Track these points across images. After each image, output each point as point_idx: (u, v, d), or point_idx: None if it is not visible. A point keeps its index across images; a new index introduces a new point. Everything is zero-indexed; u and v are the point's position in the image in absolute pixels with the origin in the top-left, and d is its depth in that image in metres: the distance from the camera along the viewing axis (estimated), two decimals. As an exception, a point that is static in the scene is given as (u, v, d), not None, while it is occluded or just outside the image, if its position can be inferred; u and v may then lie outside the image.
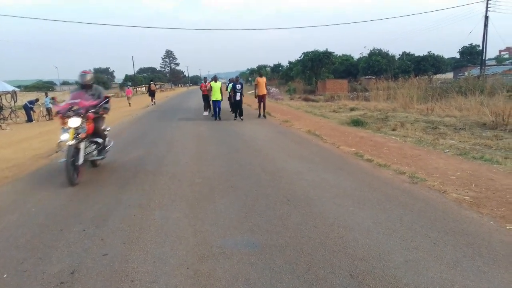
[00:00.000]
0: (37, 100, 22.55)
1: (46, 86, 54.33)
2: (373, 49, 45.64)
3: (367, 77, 43.54)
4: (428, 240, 3.68)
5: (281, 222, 4.27)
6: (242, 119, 15.29)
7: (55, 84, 70.67)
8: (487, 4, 31.10)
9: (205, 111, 18.34)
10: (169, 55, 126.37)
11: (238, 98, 15.32)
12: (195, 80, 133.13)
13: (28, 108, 20.72)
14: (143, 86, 61.68)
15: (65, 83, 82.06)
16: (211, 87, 15.72)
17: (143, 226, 4.29)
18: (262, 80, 15.71)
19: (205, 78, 20.22)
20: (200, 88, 18.61)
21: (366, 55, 46.16)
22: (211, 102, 16.71)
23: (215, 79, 16.23)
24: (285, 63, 56.43)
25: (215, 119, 15.84)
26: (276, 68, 56.54)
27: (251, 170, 6.71)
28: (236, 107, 15.63)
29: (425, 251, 3.45)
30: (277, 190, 5.48)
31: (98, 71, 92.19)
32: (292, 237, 3.86)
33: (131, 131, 13.24)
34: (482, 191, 5.14)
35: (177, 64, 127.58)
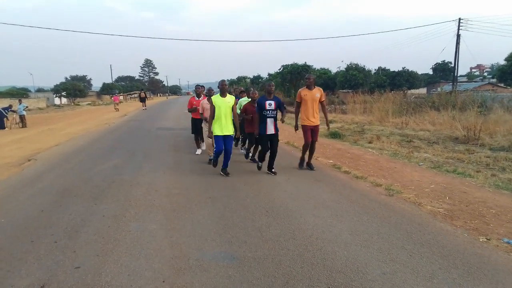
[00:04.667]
0: (10, 106, 21.85)
1: (20, 93, 52.76)
2: (350, 64, 46.59)
3: (344, 90, 44.30)
4: (404, 252, 3.72)
5: (260, 233, 4.24)
6: (274, 173, 7.27)
7: (29, 91, 68.74)
8: (459, 23, 32.33)
9: (198, 146, 10.09)
10: (148, 64, 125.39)
11: (271, 130, 7.18)
12: (174, 90, 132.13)
13: (1, 115, 20.05)
14: (135, 93, 69.14)
15: (40, 90, 79.93)
16: (212, 106, 7.09)
17: (117, 237, 4.18)
18: (314, 93, 7.43)
19: (198, 88, 9.84)
20: (189, 109, 9.75)
21: (344, 69, 47.06)
22: (203, 134, 9.11)
23: (223, 89, 7.17)
24: (264, 74, 56.76)
25: (216, 166, 7.61)
26: (256, 79, 56.85)
27: (230, 181, 6.67)
28: (265, 146, 7.28)
29: (402, 263, 3.48)
30: (256, 202, 5.46)
31: (74, 79, 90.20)
32: (270, 249, 3.83)
33: (107, 140, 12.95)
34: (455, 204, 5.27)
35: (156, 73, 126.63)
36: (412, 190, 6.01)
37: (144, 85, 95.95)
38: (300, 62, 42.74)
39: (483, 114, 14.05)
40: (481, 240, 4.06)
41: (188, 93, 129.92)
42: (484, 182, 6.39)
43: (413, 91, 42.03)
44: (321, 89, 7.61)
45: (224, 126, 7.06)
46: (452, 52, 32.81)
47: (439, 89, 30.47)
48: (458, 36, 32.23)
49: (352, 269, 3.38)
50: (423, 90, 50.69)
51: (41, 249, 3.90)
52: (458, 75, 42.01)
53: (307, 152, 7.69)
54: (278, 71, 45.10)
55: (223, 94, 7.11)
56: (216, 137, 7.11)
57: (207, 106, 8.16)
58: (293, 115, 8.08)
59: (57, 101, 56.04)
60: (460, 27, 32.21)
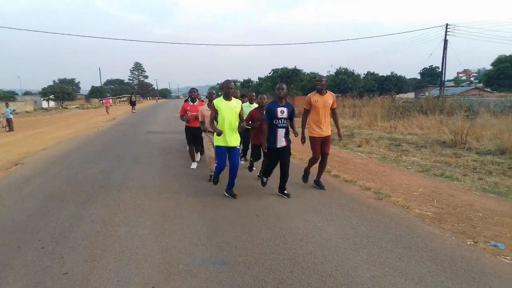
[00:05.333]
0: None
1: (7, 96, 52.02)
2: (339, 68, 46.91)
3: (338, 94, 44.66)
4: (393, 256, 3.75)
5: (250, 238, 4.24)
6: (287, 195, 6.04)
7: (17, 94, 67.75)
8: (446, 28, 32.85)
9: (193, 158, 8.66)
10: (137, 67, 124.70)
11: (282, 142, 5.95)
12: (164, 94, 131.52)
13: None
14: (124, 96, 70.71)
15: (27, 93, 78.82)
16: (215, 110, 5.83)
17: (106, 243, 4.14)
18: (327, 98, 6.33)
19: (193, 92, 8.37)
20: (182, 116, 8.34)
21: (333, 73, 47.40)
22: (204, 146, 7.39)
23: (228, 92, 5.85)
24: (254, 78, 56.87)
25: (217, 183, 6.39)
26: (246, 83, 56.84)
27: (219, 186, 6.62)
28: (272, 162, 6.22)
29: (391, 267, 3.51)
30: (246, 206, 5.46)
31: (63, 82, 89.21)
32: (261, 253, 3.83)
33: (95, 144, 12.83)
34: (443, 207, 5.33)
35: (146, 77, 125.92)
36: (400, 193, 6.07)
37: (133, 89, 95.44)
38: (290, 66, 43.02)
39: (470, 119, 14.26)
40: (468, 243, 4.11)
41: (178, 97, 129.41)
42: (471, 186, 6.48)
43: (401, 95, 42.48)
44: (333, 94, 6.50)
45: (228, 136, 5.73)
46: (440, 57, 33.31)
47: (426, 93, 30.86)
48: (446, 41, 32.73)
49: (342, 273, 3.40)
50: (411, 95, 51.26)
51: (28, 255, 3.84)
52: (446, 79, 42.63)
53: (315, 166, 6.60)
54: (269, 75, 45.30)
55: (227, 98, 5.81)
56: (219, 149, 5.79)
57: (208, 113, 6.68)
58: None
59: (44, 104, 55.34)
60: (448, 33, 32.72)
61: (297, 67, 43.68)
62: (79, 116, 32.30)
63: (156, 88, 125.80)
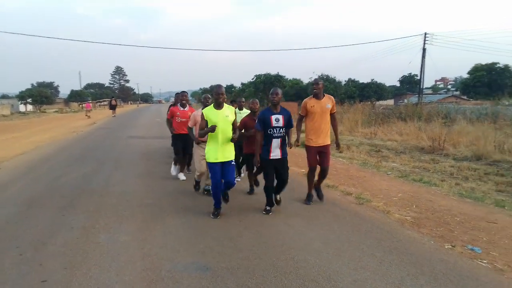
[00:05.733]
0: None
1: (-18, 100, 50.70)
2: (321, 75, 47.50)
3: (332, 98, 45.04)
4: (374, 260, 3.82)
5: (233, 243, 4.25)
6: (277, 202, 5.70)
7: (-7, 97, 65.97)
8: (425, 37, 33.69)
9: (181, 168, 7.89)
10: (118, 71, 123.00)
11: (277, 154, 5.32)
12: (145, 98, 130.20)
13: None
14: (105, 100, 69.23)
15: (4, 96, 76.77)
16: (203, 121, 5.11)
17: (86, 249, 4.08)
18: (324, 103, 5.78)
19: (183, 95, 7.72)
20: (169, 121, 7.73)
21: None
22: (196, 159, 6.53)
23: (219, 99, 5.08)
24: (237, 84, 57.02)
25: (218, 206, 5.32)
26: (229, 88, 56.90)
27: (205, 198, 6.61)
28: (270, 177, 5.37)
29: (372, 271, 3.57)
30: (229, 211, 5.46)
31: (41, 85, 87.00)
32: (244, 258, 3.84)
33: (75, 148, 12.60)
34: (422, 212, 5.45)
35: (127, 81, 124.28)
36: (381, 198, 6.18)
37: (114, 93, 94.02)
38: (273, 72, 43.28)
39: (447, 125, 14.62)
40: (446, 247, 4.22)
41: (159, 101, 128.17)
42: (449, 191, 6.65)
43: (381, 102, 43.21)
44: (332, 97, 5.93)
45: (221, 149, 5.04)
46: (419, 65, 34.09)
47: (405, 100, 31.52)
48: (424, 50, 33.56)
49: (324, 277, 3.44)
50: (390, 102, 52.19)
51: (5, 262, 3.75)
52: (424, 87, 43.66)
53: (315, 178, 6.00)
54: (251, 80, 45.45)
55: (218, 106, 5.07)
56: (211, 165, 5.09)
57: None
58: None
59: (22, 108, 53.96)
60: (426, 42, 33.56)
61: (280, 73, 44.02)
62: (58, 120, 31.65)
63: (137, 92, 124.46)
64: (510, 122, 14.45)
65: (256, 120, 5.64)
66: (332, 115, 5.87)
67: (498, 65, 48.19)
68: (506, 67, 47.66)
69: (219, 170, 5.12)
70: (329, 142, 5.85)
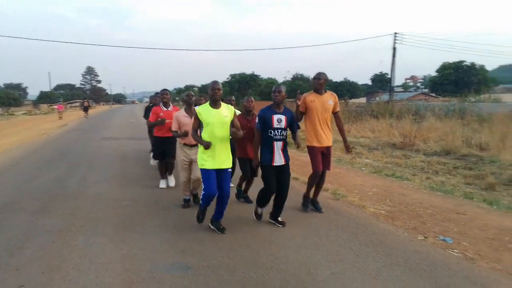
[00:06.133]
0: None
1: None
2: (295, 74, 48.02)
3: (290, 99, 45.54)
4: (351, 253, 3.93)
5: (214, 242, 4.26)
6: (281, 223, 4.85)
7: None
8: (395, 37, 34.53)
9: (162, 175, 7.11)
10: (90, 71, 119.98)
11: (280, 160, 4.72)
12: (118, 99, 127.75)
13: None
14: (76, 102, 68.36)
15: (-32, 98, 73.48)
16: (198, 121, 4.45)
17: (64, 253, 4.00)
18: (326, 99, 5.33)
19: (164, 94, 6.82)
20: (151, 123, 6.80)
21: (289, 79, 48.35)
22: (179, 165, 5.82)
23: (215, 96, 4.40)
24: (211, 83, 56.93)
25: (202, 220, 4.83)
26: (204, 88, 56.68)
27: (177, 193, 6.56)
28: (271, 184, 4.70)
29: (349, 263, 3.68)
30: (209, 211, 5.40)
31: (8, 87, 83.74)
32: (225, 256, 3.87)
33: (46, 151, 12.25)
34: (395, 206, 5.64)
35: (99, 82, 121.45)
36: (356, 194, 6.34)
37: (85, 94, 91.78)
38: (248, 71, 43.44)
39: (417, 122, 15.09)
40: (419, 238, 4.39)
41: (133, 102, 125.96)
42: (420, 185, 6.89)
43: (354, 100, 44.03)
44: (334, 94, 5.47)
45: (218, 154, 4.38)
46: (389, 64, 34.90)
47: (377, 98, 32.27)
48: (394, 49, 34.34)
49: (304, 271, 3.52)
50: (363, 100, 53.30)
51: (-22, 269, 3.64)
52: (395, 85, 44.72)
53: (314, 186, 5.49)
54: (227, 80, 45.46)
55: (215, 104, 4.42)
56: (206, 172, 4.40)
57: (186, 120, 5.54)
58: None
59: (-13, 110, 51.88)
60: (396, 41, 34.38)
61: (255, 73, 44.23)
62: (27, 122, 30.59)
63: (110, 93, 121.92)
64: (477, 118, 15.05)
65: (249, 119, 5.56)
66: (336, 114, 5.42)
67: (464, 63, 50.03)
68: (472, 65, 49.56)
69: (215, 178, 4.42)
70: (331, 144, 5.42)
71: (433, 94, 50.44)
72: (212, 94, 4.37)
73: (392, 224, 4.86)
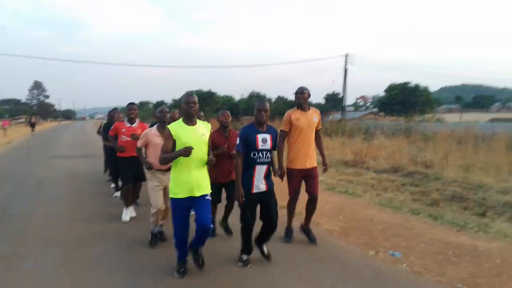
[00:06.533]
0: None
1: None
2: (252, 92, 48.71)
3: (247, 117, 45.97)
4: (307, 269, 4.05)
5: (169, 263, 4.17)
6: (267, 256, 4.27)
7: None
8: (346, 58, 36.24)
9: (126, 203, 5.96)
10: (37, 86, 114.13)
11: (262, 185, 4.15)
12: (68, 115, 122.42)
13: None
14: (21, 117, 63.19)
15: None
16: (172, 140, 3.68)
17: (9, 278, 3.81)
18: (311, 116, 4.88)
19: (132, 108, 5.90)
20: (112, 138, 6.16)
21: (246, 96, 48.97)
22: (150, 193, 4.82)
23: (191, 111, 3.73)
24: (168, 100, 56.34)
25: (184, 274, 3.86)
26: (159, 105, 55.94)
27: (137, 211, 6.39)
28: (250, 214, 4.09)
29: (306, 279, 3.78)
30: (166, 230, 5.33)
31: None
32: (182, 277, 3.84)
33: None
34: (348, 222, 5.86)
35: (47, 97, 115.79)
36: (311, 211, 6.51)
37: (31, 109, 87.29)
38: (205, 88, 43.54)
39: (367, 140, 15.76)
40: (370, 253, 4.59)
41: (83, 118, 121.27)
42: (371, 201, 7.21)
43: (308, 119, 45.25)
44: (318, 110, 5.08)
45: (195, 180, 3.71)
46: (341, 84, 36.39)
47: (330, 117, 33.38)
48: (346, 70, 35.98)
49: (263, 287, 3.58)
50: (317, 118, 54.86)
51: None
52: (346, 104, 46.58)
53: (294, 212, 5.15)
54: (183, 97, 45.33)
55: (190, 120, 3.77)
56: (177, 203, 3.70)
57: (158, 140, 4.67)
58: None
59: None
60: (347, 62, 36.03)
61: (212, 90, 44.44)
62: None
63: (58, 109, 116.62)
64: (421, 137, 15.97)
65: (226, 135, 4.82)
66: (317, 132, 5.01)
67: (410, 84, 53.10)
68: (417, 86, 52.69)
69: (187, 212, 3.76)
70: (316, 164, 4.99)
71: (382, 114, 52.92)
72: (187, 108, 3.71)
73: (345, 240, 5.05)
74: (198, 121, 3.87)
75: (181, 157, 3.58)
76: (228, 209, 5.15)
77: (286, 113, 4.84)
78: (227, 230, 5.20)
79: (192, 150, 3.51)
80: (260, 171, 4.04)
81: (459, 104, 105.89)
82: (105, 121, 8.85)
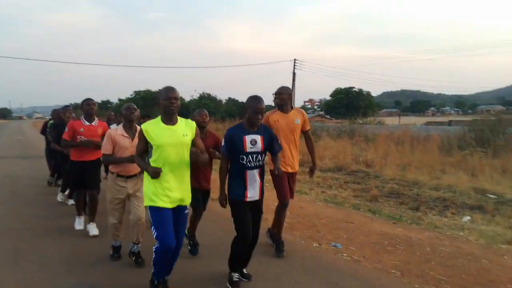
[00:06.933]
0: None
1: None
2: (202, 93, 48.46)
3: (303, 112, 45.59)
4: (254, 261, 4.17)
5: (117, 261, 4.20)
6: (246, 277, 3.75)
7: None
8: (294, 63, 37.16)
9: (80, 212, 5.40)
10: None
11: (256, 192, 3.63)
12: (3, 114, 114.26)
13: None
14: None
15: None
16: (145, 142, 3.22)
17: None
18: (292, 118, 4.69)
19: (90, 103, 5.07)
20: (66, 142, 5.01)
21: (197, 98, 48.61)
22: (109, 203, 4.25)
23: (170, 109, 3.23)
24: (114, 99, 54.51)
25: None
26: (105, 104, 53.90)
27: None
28: (246, 227, 3.69)
29: (252, 271, 3.88)
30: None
31: None
32: (127, 275, 3.88)
33: None
34: (295, 217, 6.12)
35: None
36: (260, 208, 6.70)
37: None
38: (154, 89, 42.68)
39: (314, 141, 16.29)
40: (314, 245, 4.87)
41: (20, 117, 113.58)
42: (316, 198, 7.57)
43: (258, 120, 45.87)
44: (302, 111, 4.93)
45: (176, 188, 3.24)
46: (290, 87, 37.26)
47: (280, 119, 33.95)
48: (294, 74, 36.86)
49: (207, 278, 3.70)
50: (266, 120, 55.73)
51: None
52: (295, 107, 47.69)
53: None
54: (130, 96, 44.02)
55: (170, 119, 3.26)
56: (158, 213, 3.18)
57: (125, 142, 4.07)
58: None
59: None
60: (296, 66, 36.98)
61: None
62: None
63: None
64: (364, 138, 16.82)
65: (202, 137, 4.06)
66: (306, 133, 4.86)
67: (354, 89, 55.58)
68: (360, 91, 55.29)
69: (171, 222, 3.21)
70: (296, 169, 4.78)
71: (328, 116, 54.85)
72: (167, 105, 3.18)
73: (291, 234, 5.29)
74: (180, 119, 3.32)
75: (156, 162, 3.15)
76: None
77: (265, 115, 4.32)
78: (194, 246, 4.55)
79: (168, 155, 3.13)
80: (252, 177, 3.53)
81: (399, 108, 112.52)
82: (50, 121, 8.13)
